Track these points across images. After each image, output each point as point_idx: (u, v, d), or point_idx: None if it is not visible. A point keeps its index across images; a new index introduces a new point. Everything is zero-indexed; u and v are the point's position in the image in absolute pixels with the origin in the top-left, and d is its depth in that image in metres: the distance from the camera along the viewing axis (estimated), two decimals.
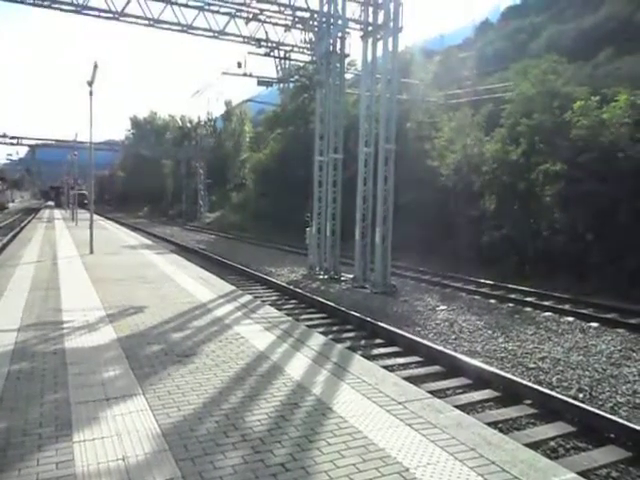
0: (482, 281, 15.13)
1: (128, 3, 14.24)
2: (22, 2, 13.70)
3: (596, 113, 15.44)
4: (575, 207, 15.20)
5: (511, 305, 12.45)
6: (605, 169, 14.59)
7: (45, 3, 13.67)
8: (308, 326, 8.24)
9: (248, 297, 9.40)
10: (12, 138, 49.66)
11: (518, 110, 18.67)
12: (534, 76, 18.58)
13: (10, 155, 70.35)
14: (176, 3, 14.85)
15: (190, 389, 4.65)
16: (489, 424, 4.78)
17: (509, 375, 7.21)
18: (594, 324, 10.58)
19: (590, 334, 9.91)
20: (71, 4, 13.80)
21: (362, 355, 6.77)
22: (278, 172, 31.84)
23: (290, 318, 8.01)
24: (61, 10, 14.15)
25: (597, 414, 5.88)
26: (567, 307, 12.00)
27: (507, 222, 17.64)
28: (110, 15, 14.34)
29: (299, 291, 13.40)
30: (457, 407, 4.76)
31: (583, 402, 6.44)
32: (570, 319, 11.02)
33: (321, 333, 7.62)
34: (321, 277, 16.09)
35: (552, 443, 5.48)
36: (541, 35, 33.82)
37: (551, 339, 9.53)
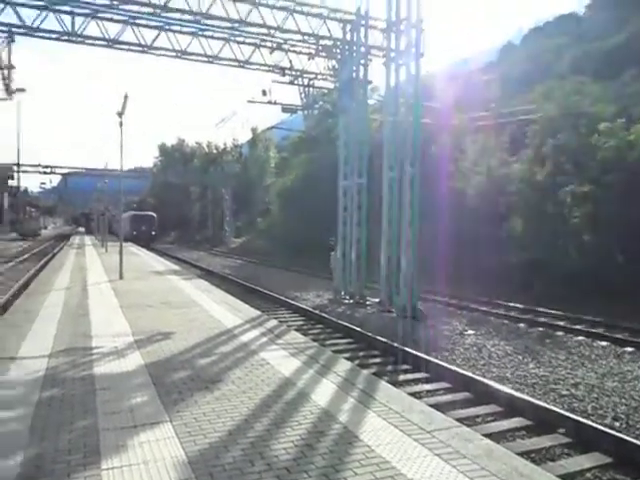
0: (511, 305, 14.86)
1: (157, 37, 14.75)
2: (58, 39, 14.32)
3: (622, 135, 15.23)
4: (605, 229, 14.91)
5: (541, 329, 12.17)
6: (633, 190, 14.33)
7: (79, 39, 14.24)
8: (334, 351, 8.20)
9: (274, 322, 9.42)
10: (45, 167, 51.51)
11: (543, 130, 18.56)
12: (558, 97, 18.50)
13: (44, 183, 72.71)
14: (203, 35, 15.32)
15: (216, 416, 4.65)
16: (520, 454, 4.65)
17: (541, 402, 7.02)
18: (629, 349, 10.25)
19: (625, 359, 9.60)
20: (104, 39, 14.35)
21: (388, 381, 6.69)
22: (303, 197, 32.04)
23: (316, 343, 7.99)
24: (94, 45, 14.71)
25: (635, 444, 5.66)
26: (600, 331, 11.68)
27: (535, 244, 17.38)
28: (140, 48, 14.86)
29: (325, 316, 13.36)
30: (487, 436, 4.65)
31: (620, 431, 6.21)
32: (604, 344, 10.70)
33: (347, 359, 7.55)
34: (347, 301, 16.00)
35: (588, 475, 5.28)
36: (564, 56, 33.68)
37: (584, 365, 9.26)
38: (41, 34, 13.95)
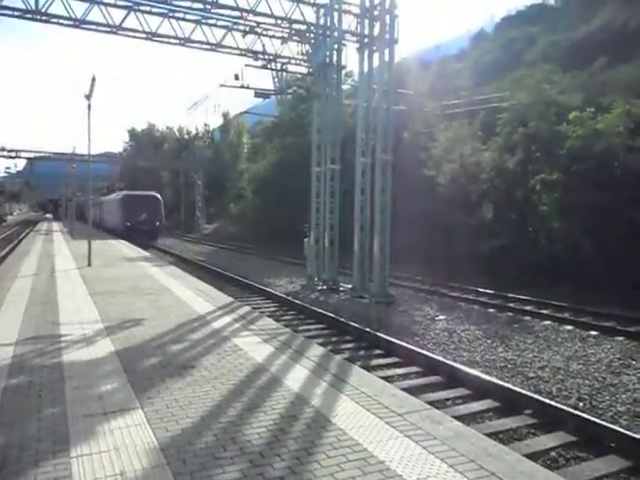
0: (481, 290, 15.12)
1: (126, 17, 14.32)
2: (20, 17, 13.75)
3: (591, 123, 15.53)
4: (572, 216, 15.24)
5: (510, 314, 12.42)
6: (601, 178, 14.67)
7: (43, 18, 13.73)
8: (307, 337, 8.23)
9: (246, 308, 9.39)
10: (10, 151, 49.86)
11: (514, 119, 18.80)
12: (529, 85, 18.73)
13: (8, 168, 70.41)
14: (174, 17, 14.95)
15: (188, 402, 4.63)
16: (489, 435, 4.77)
17: (509, 385, 7.19)
18: (593, 332, 10.55)
19: (589, 342, 9.89)
20: (70, 19, 13.86)
21: (361, 366, 6.75)
22: (276, 183, 31.88)
23: (289, 329, 8.01)
24: (59, 25, 14.23)
25: (597, 423, 5.86)
26: (566, 316, 11.99)
27: (505, 231, 17.68)
28: (108, 29, 14.41)
29: (298, 302, 13.37)
30: (456, 418, 4.74)
31: (583, 411, 6.41)
32: (569, 328, 11.00)
33: (320, 344, 7.58)
34: (320, 288, 16.04)
35: (553, 453, 5.45)
36: (536, 45, 34.03)
37: (550, 348, 9.51)
38: (2, 11, 13.41)
